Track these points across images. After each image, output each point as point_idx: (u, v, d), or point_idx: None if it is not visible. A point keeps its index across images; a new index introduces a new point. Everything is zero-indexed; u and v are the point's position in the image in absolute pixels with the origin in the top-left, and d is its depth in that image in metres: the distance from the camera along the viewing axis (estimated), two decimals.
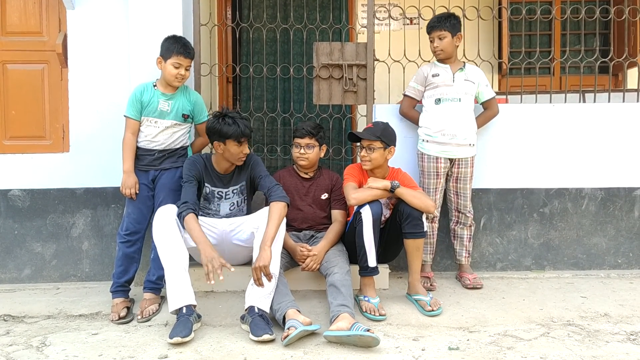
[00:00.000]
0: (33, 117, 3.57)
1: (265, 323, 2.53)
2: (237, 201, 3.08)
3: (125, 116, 3.01)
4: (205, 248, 2.63)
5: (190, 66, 3.02)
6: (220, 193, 3.04)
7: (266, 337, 2.45)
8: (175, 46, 2.95)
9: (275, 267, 2.70)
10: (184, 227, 2.74)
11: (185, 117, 3.08)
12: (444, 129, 3.26)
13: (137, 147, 3.05)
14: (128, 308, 2.94)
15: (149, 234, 3.08)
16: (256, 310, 2.59)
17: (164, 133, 3.03)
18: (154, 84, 3.05)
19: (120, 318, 2.83)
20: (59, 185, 3.52)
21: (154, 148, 3.04)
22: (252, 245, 2.83)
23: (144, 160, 3.05)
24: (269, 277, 2.63)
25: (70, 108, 3.51)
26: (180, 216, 2.74)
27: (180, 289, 2.63)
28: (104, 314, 2.93)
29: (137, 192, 3.00)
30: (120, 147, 3.01)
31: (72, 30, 3.49)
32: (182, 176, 2.96)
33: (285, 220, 2.85)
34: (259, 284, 2.62)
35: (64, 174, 3.52)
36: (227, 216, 3.06)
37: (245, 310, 2.64)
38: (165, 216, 2.75)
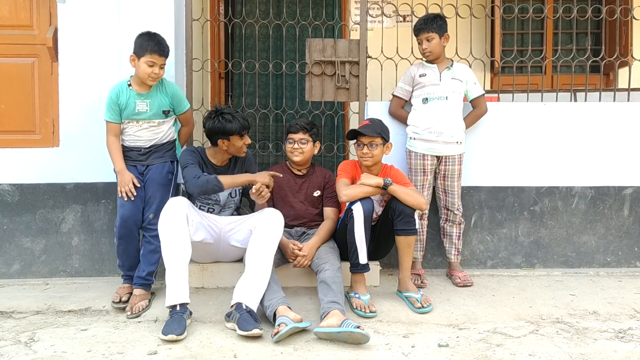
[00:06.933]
0: (23, 111, 3.54)
1: (253, 319, 2.52)
2: (236, 190, 3.15)
3: (105, 120, 3.00)
4: (257, 177, 2.93)
5: (164, 64, 2.95)
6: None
7: (256, 331, 2.43)
8: (149, 44, 2.88)
9: (269, 262, 2.75)
10: (217, 188, 2.87)
11: (166, 113, 3.05)
12: (431, 127, 3.28)
13: (124, 146, 3.05)
14: (131, 294, 2.98)
15: None
16: (244, 306, 2.58)
17: (148, 131, 3.02)
18: (129, 82, 3.00)
19: (120, 301, 2.92)
20: (48, 180, 3.49)
21: (141, 146, 3.04)
22: (246, 246, 2.85)
23: (132, 156, 3.05)
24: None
25: (60, 102, 3.49)
26: (209, 182, 2.84)
27: (178, 286, 2.61)
28: (93, 310, 2.92)
29: (138, 185, 2.98)
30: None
31: (62, 24, 3.46)
32: (181, 164, 2.99)
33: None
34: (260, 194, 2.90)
35: (54, 168, 3.49)
36: (225, 205, 3.12)
37: (232, 306, 2.63)
38: (174, 209, 2.73)
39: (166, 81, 3.08)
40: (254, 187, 2.91)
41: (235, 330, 2.51)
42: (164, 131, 3.08)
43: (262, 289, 2.69)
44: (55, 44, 3.46)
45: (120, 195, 2.97)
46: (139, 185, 2.99)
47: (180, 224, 2.70)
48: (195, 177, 2.86)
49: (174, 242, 2.67)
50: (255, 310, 2.61)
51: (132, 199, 2.95)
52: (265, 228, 2.82)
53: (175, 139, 3.17)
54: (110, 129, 3.00)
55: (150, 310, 2.88)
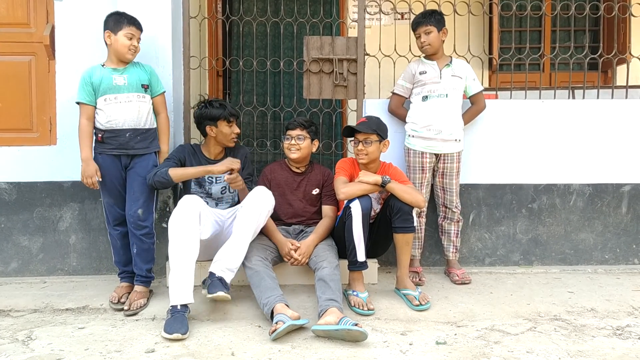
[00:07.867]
0: (20, 109, 3.53)
1: (222, 285, 2.62)
2: (229, 185, 3.10)
3: (77, 102, 2.95)
4: (215, 167, 2.92)
5: (140, 39, 2.99)
6: (210, 177, 3.10)
7: (220, 294, 2.59)
8: (125, 18, 2.93)
9: (248, 235, 2.80)
10: (164, 180, 2.87)
11: (146, 88, 3.00)
12: (431, 125, 3.28)
13: (104, 131, 2.94)
14: (129, 294, 2.98)
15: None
16: (216, 275, 2.67)
17: (129, 109, 2.93)
18: (102, 64, 2.99)
19: (118, 302, 2.91)
20: (46, 179, 3.48)
21: (124, 127, 2.93)
22: None
23: (114, 143, 2.94)
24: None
25: (57, 100, 3.47)
26: (157, 174, 2.88)
27: (184, 286, 2.62)
28: (90, 308, 2.91)
29: (100, 179, 2.94)
30: None
31: (59, 22, 3.45)
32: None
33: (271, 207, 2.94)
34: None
35: (51, 167, 3.48)
36: (219, 200, 3.13)
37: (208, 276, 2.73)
38: (188, 208, 2.74)
39: (142, 63, 3.10)
40: (226, 175, 2.92)
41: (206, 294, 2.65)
42: (146, 112, 2.99)
43: (236, 260, 2.75)
44: (52, 41, 3.45)
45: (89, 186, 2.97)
46: (101, 179, 2.95)
47: (192, 225, 2.70)
48: (154, 167, 2.98)
49: (183, 243, 2.67)
50: (227, 279, 2.68)
51: (97, 187, 2.97)
52: (249, 203, 2.85)
53: (155, 128, 3.10)
54: (83, 111, 2.93)
55: (148, 309, 2.88)
